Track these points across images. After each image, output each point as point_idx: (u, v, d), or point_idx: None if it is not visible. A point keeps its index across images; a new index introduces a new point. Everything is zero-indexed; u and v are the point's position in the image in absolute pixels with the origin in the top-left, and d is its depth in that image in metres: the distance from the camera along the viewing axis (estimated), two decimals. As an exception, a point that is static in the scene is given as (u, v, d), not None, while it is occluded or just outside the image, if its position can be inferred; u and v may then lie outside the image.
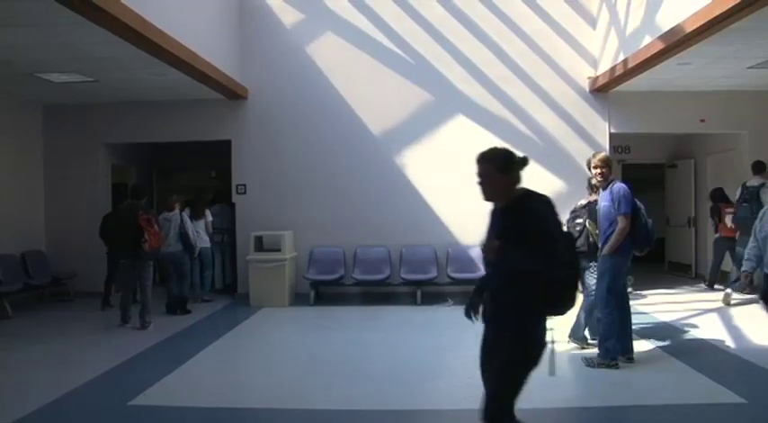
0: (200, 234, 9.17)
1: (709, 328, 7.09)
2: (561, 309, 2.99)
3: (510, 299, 3.00)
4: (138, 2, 5.92)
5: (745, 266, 5.07)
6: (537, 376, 5.66)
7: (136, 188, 8.17)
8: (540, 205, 2.96)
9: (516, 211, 2.97)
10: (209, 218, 9.60)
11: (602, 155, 5.67)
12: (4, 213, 9.00)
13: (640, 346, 6.31)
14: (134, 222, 7.46)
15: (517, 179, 3.06)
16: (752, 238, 5.03)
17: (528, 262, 2.89)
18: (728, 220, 9.05)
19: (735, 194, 8.82)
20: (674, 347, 6.34)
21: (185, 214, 8.75)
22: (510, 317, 3.01)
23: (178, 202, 8.73)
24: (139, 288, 7.68)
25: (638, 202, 5.51)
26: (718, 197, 9.56)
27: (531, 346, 3.01)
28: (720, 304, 8.33)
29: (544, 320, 3.03)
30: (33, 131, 9.84)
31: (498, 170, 3.03)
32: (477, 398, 4.92)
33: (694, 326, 7.26)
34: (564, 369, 5.90)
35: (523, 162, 3.06)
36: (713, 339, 6.57)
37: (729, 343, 6.44)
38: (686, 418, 4.44)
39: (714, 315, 7.82)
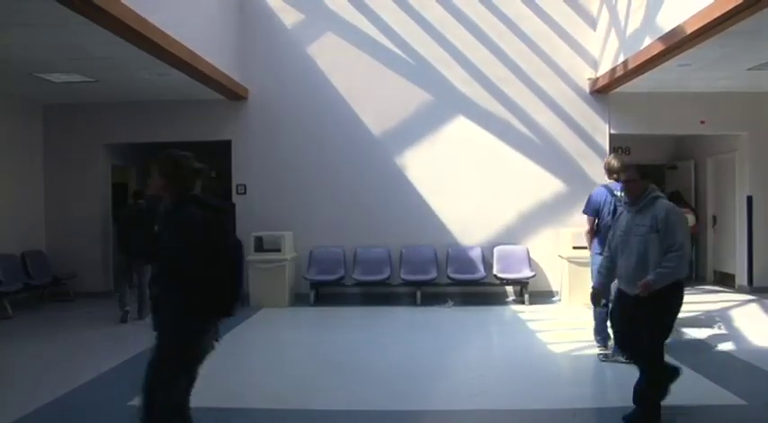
0: None
1: (708, 329, 7.08)
2: (209, 311, 3.05)
3: (163, 299, 3.08)
4: (139, 2, 5.92)
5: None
6: (534, 377, 5.64)
7: (138, 191, 8.43)
8: (197, 214, 3.01)
9: (172, 215, 3.04)
10: None
11: (604, 160, 6.15)
12: (5, 213, 9.00)
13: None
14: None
15: (182, 185, 3.09)
16: (605, 249, 4.70)
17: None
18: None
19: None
20: (672, 348, 6.32)
21: None
22: (163, 316, 3.07)
23: None
24: (137, 284, 8.02)
25: (611, 205, 5.66)
26: (677, 199, 10.06)
27: (180, 346, 3.05)
28: (718, 305, 8.34)
29: (200, 322, 3.06)
30: (33, 131, 9.83)
31: (160, 174, 3.09)
32: (478, 398, 4.95)
33: (693, 327, 7.25)
34: (562, 370, 5.92)
35: (196, 172, 3.15)
36: (712, 340, 6.58)
37: (729, 344, 6.44)
38: (685, 420, 4.44)
39: (714, 316, 7.82)
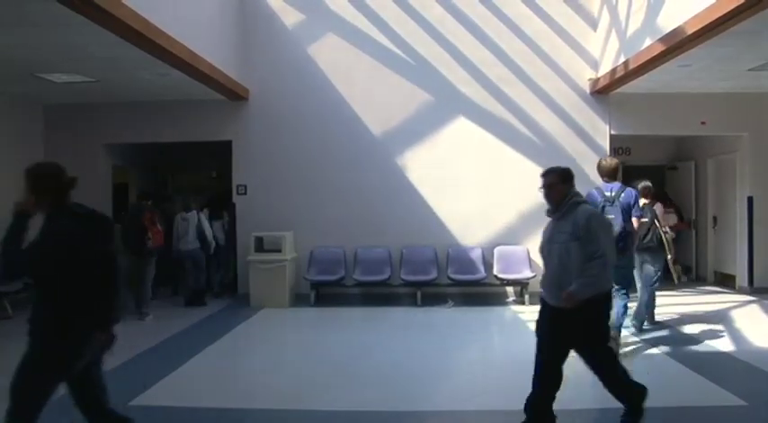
0: (218, 233, 9.84)
1: (708, 330, 7.09)
2: (81, 326, 3.06)
3: (36, 313, 3.17)
4: (140, 3, 5.93)
5: None
6: (533, 378, 5.62)
7: (143, 190, 8.89)
8: (67, 226, 3.05)
9: (45, 226, 3.10)
10: (227, 218, 10.06)
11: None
12: (5, 213, 8.97)
13: (639, 347, 6.32)
14: (140, 222, 8.06)
15: (50, 198, 3.15)
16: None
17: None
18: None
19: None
20: (672, 349, 6.34)
21: (202, 214, 9.38)
22: (36, 329, 3.14)
23: (194, 203, 9.38)
24: (140, 283, 8.17)
25: (601, 205, 5.83)
26: (662, 197, 10.32)
27: (50, 361, 3.07)
28: (719, 306, 8.34)
29: (72, 337, 3.06)
30: (34, 131, 9.82)
31: (27, 188, 3.23)
32: (479, 399, 4.94)
33: (693, 327, 7.26)
34: (563, 370, 5.91)
35: (66, 184, 3.20)
36: (712, 341, 6.57)
37: (729, 345, 6.44)
38: (685, 421, 4.44)
39: (714, 316, 7.83)
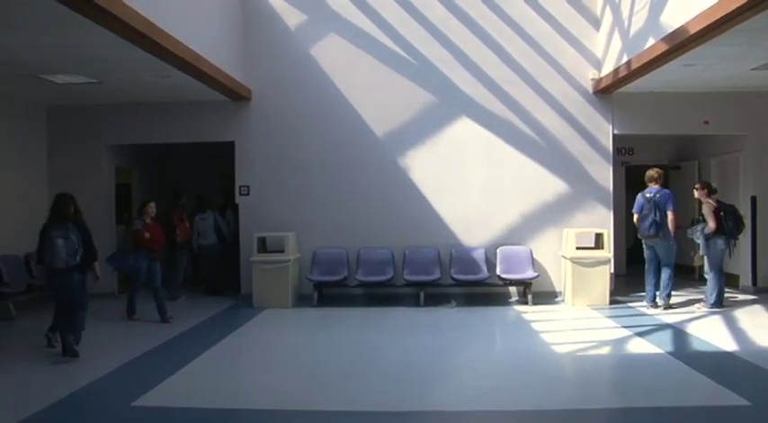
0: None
1: (711, 330, 7.07)
2: None
3: None
4: (143, 4, 5.93)
5: None
6: (538, 378, 5.64)
7: (176, 191, 10.12)
8: None
9: None
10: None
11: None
12: (8, 214, 9.02)
13: (642, 347, 6.32)
14: (170, 219, 9.40)
15: None
16: None
17: None
18: None
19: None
20: (676, 349, 6.33)
21: (218, 214, 10.44)
22: None
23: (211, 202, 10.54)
24: (173, 271, 9.50)
25: (642, 205, 8.29)
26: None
27: None
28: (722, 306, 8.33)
29: None
30: (37, 132, 9.85)
31: None
32: (482, 399, 4.94)
33: (697, 328, 7.24)
34: (566, 370, 5.90)
35: None
36: (716, 341, 6.56)
37: (732, 345, 6.42)
38: (688, 421, 4.43)
39: (717, 317, 7.81)
